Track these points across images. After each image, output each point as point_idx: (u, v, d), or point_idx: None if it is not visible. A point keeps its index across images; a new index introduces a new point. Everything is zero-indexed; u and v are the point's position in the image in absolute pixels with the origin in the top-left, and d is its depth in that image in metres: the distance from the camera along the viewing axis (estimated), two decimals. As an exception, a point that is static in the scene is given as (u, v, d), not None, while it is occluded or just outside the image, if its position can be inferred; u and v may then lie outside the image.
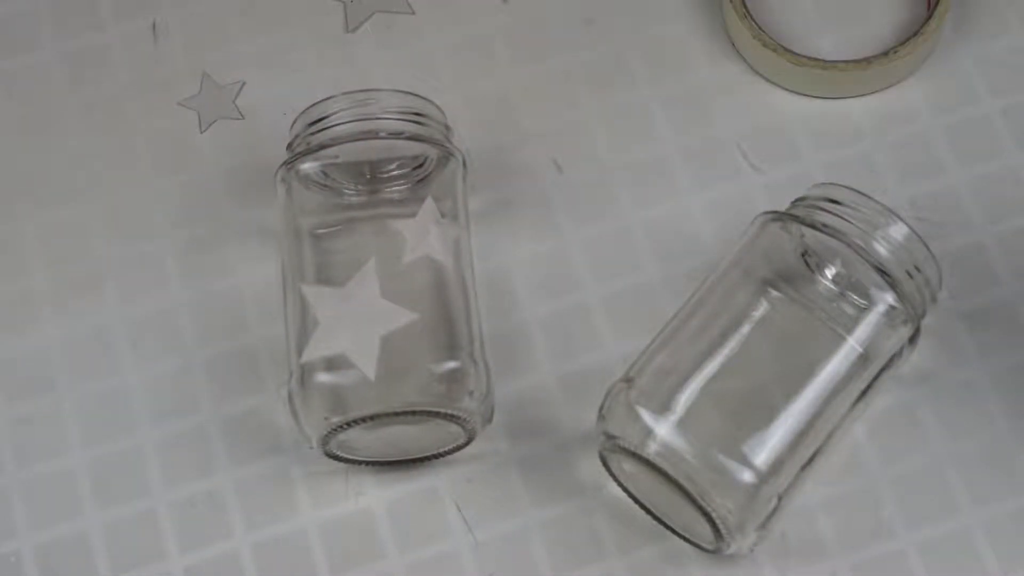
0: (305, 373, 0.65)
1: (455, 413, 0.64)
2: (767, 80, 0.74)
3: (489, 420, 0.67)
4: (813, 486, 0.67)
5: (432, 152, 0.68)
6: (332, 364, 0.64)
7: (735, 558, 0.66)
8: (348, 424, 0.64)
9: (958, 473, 0.68)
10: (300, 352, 0.65)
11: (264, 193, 0.71)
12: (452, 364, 0.65)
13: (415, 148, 0.68)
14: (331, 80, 0.74)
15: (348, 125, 0.67)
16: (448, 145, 0.68)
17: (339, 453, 0.67)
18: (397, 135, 0.67)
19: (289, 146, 0.69)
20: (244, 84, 0.75)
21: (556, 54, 0.75)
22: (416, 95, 0.68)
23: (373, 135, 0.67)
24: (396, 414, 0.64)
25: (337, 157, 0.67)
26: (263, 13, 0.76)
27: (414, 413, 0.64)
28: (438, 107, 0.69)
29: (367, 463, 0.68)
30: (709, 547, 0.65)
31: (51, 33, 0.76)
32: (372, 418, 0.64)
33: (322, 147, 0.67)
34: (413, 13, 0.75)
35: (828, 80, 0.73)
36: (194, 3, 0.76)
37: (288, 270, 0.67)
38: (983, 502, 0.67)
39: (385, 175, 0.68)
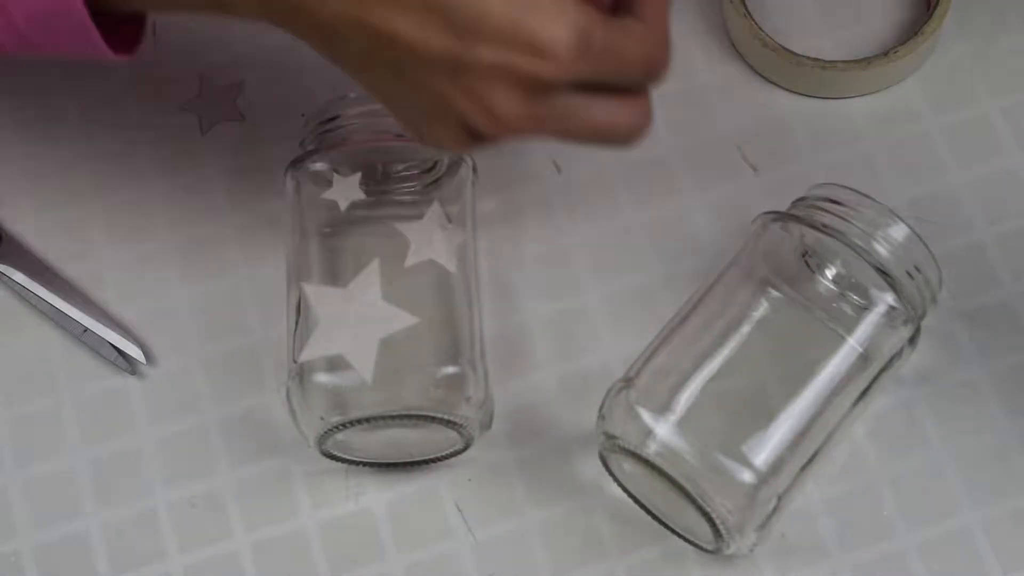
0: (304, 372, 0.65)
1: (452, 419, 0.64)
2: (767, 80, 0.74)
3: (487, 427, 0.66)
4: (813, 486, 0.67)
5: (443, 156, 0.68)
6: (332, 364, 0.64)
7: (735, 558, 0.66)
8: (344, 425, 0.64)
9: (958, 473, 0.68)
10: (301, 350, 0.65)
11: (264, 193, 0.71)
12: (451, 369, 0.65)
13: (427, 151, 0.67)
14: (331, 81, 0.74)
15: (361, 125, 0.67)
16: (459, 150, 0.68)
17: (336, 453, 0.67)
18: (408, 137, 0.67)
19: (302, 143, 0.68)
20: (243, 85, 0.74)
21: (556, 54, 0.75)
22: None
23: (385, 136, 0.67)
24: (392, 417, 0.64)
25: (348, 155, 0.67)
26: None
27: (410, 417, 0.64)
28: None
29: (365, 464, 0.68)
30: (709, 547, 0.65)
31: (51, 33, 0.76)
32: (368, 420, 0.64)
33: (334, 146, 0.67)
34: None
35: (828, 80, 0.73)
36: (194, 3, 0.76)
37: (294, 267, 0.67)
38: (983, 502, 0.67)
39: (396, 177, 0.68)
